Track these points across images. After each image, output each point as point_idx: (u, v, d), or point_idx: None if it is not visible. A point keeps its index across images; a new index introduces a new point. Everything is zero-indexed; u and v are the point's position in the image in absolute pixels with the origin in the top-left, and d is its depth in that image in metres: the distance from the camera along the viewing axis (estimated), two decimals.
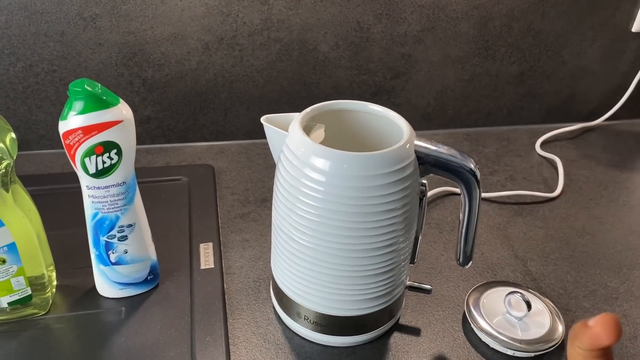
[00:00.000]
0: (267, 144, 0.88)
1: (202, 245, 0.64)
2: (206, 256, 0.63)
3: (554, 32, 0.87)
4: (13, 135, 0.50)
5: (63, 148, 0.78)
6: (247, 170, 0.80)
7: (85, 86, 0.47)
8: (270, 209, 0.72)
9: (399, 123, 0.50)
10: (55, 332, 0.54)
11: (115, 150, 0.49)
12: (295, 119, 0.50)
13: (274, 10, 0.77)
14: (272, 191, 0.75)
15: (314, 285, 0.50)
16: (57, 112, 0.78)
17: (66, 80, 0.76)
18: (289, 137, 0.48)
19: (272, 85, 0.82)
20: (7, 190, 0.49)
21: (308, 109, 0.51)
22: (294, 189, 0.47)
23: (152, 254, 0.58)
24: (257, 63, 0.80)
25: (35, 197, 0.55)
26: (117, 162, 0.50)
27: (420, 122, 0.91)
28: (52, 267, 0.57)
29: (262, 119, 0.50)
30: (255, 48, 0.79)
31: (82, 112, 0.47)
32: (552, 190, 0.79)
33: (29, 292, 0.54)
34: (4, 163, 0.48)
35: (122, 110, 0.49)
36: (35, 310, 0.55)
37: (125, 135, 0.50)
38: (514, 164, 0.85)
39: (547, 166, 0.85)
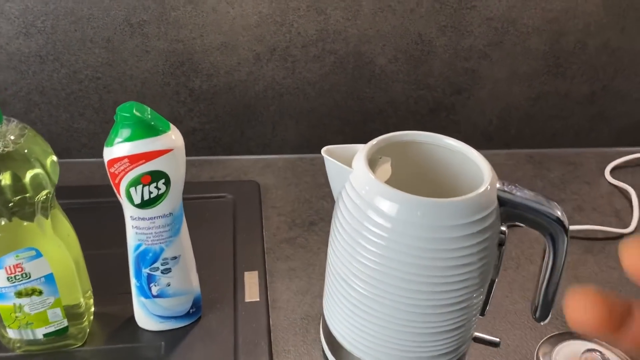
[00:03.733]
0: (315, 159, 0.83)
1: (246, 274, 0.60)
2: (251, 287, 0.59)
3: (633, 49, 0.80)
4: (54, 158, 0.46)
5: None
6: (294, 189, 0.75)
7: (134, 111, 0.43)
8: (318, 234, 0.67)
9: (478, 161, 0.45)
10: None
11: (163, 180, 0.45)
12: (360, 151, 0.45)
13: (331, 20, 0.71)
14: (320, 214, 0.71)
15: (373, 339, 0.45)
16: (100, 119, 0.75)
17: (110, 88, 0.72)
18: (352, 173, 0.43)
19: (324, 98, 0.78)
20: (47, 217, 0.46)
21: (374, 141, 0.46)
22: (355, 232, 0.42)
23: (196, 287, 0.54)
24: (310, 75, 0.75)
25: (74, 211, 0.51)
26: (164, 192, 0.46)
27: (480, 141, 0.85)
28: (89, 294, 0.54)
29: (323, 151, 0.45)
30: (309, 60, 0.74)
31: (129, 140, 0.43)
32: (626, 225, 0.72)
33: (66, 323, 0.50)
34: (44, 192, 0.44)
35: (173, 138, 0.45)
36: (72, 342, 0.52)
37: (175, 164, 0.45)
38: (582, 192, 0.79)
39: (619, 196, 0.78)
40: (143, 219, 0.47)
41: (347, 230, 0.43)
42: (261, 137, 0.80)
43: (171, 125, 0.45)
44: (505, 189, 0.42)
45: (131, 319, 0.54)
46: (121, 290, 0.55)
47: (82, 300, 0.51)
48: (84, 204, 0.68)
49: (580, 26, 0.77)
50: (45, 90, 0.72)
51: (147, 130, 0.43)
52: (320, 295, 0.59)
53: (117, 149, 0.43)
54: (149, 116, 0.43)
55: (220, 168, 0.78)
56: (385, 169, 0.46)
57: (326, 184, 0.77)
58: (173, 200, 0.47)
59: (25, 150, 0.43)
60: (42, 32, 0.67)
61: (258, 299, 0.57)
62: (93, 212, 0.66)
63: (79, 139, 0.76)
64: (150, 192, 0.45)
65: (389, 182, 0.42)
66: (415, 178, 0.48)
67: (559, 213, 0.43)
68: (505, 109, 0.83)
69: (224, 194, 0.72)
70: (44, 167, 0.45)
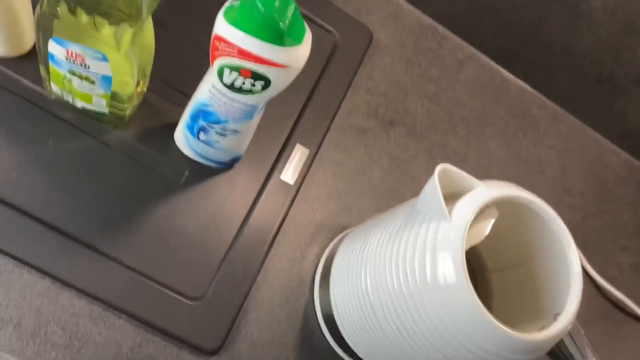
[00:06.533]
0: (446, 38, 0.70)
1: (297, 146, 0.56)
2: (294, 165, 0.55)
3: None
4: None
5: None
6: (400, 67, 0.65)
7: (275, 3, 0.32)
8: (387, 140, 0.61)
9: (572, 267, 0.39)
10: (112, 159, 0.49)
11: (262, 83, 0.38)
12: (470, 202, 0.37)
13: None
14: (406, 116, 0.62)
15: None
16: None
17: None
18: (448, 223, 0.37)
19: None
20: (132, 26, 0.39)
21: (495, 193, 0.38)
22: (419, 282, 0.38)
23: (242, 151, 0.50)
24: None
25: None
26: (258, 90, 0.38)
27: None
28: (144, 85, 0.49)
29: (438, 170, 0.37)
30: None
31: (247, 32, 0.34)
32: None
33: (107, 112, 0.47)
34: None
35: (297, 55, 0.35)
36: (105, 123, 0.49)
37: (282, 78, 0.37)
38: None
39: None
40: (224, 94, 0.40)
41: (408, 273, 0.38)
42: None
43: (305, 36, 0.35)
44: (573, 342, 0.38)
45: (171, 126, 0.51)
46: (182, 89, 0.50)
47: (132, 91, 0.47)
48: None
49: None
50: None
51: (273, 35, 0.34)
52: (346, 210, 0.56)
53: (231, 30, 0.34)
54: (288, 22, 0.33)
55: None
56: (485, 225, 0.40)
57: (437, 80, 0.66)
58: (262, 99, 0.40)
59: None
60: None
61: (291, 184, 0.54)
62: None
63: None
64: (243, 83, 0.38)
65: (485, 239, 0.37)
66: (511, 240, 0.42)
67: None
68: None
69: (333, 29, 0.62)
70: None
